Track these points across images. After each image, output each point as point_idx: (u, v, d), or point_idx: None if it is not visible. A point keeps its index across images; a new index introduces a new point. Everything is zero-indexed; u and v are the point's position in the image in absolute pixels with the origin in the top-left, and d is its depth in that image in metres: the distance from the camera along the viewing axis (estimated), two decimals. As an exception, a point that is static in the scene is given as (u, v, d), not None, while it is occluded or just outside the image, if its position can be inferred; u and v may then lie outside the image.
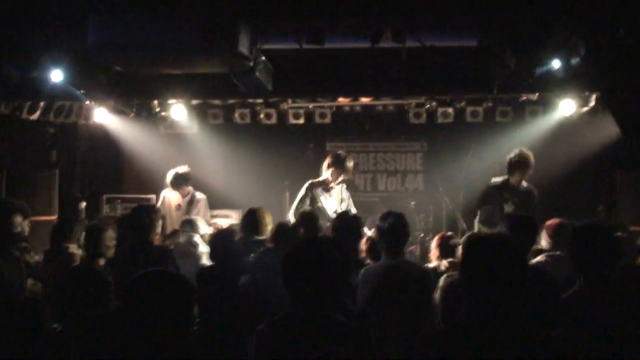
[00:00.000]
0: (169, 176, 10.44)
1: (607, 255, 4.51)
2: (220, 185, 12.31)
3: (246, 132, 12.91)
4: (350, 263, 4.40)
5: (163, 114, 12.28)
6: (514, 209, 9.14)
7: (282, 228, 6.91)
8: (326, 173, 9.88)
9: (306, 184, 9.94)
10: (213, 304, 6.19)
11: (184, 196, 10.50)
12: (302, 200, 9.82)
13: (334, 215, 8.98)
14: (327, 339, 3.59)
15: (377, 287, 6.09)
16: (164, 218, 9.22)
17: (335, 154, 10.13)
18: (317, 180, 9.99)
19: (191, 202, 10.47)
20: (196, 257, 8.11)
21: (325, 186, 9.97)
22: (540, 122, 11.83)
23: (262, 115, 12.21)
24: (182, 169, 10.49)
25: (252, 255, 6.31)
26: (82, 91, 9.37)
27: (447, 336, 3.34)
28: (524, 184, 9.52)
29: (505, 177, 9.58)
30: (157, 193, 11.70)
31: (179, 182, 10.40)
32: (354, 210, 9.88)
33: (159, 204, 10.39)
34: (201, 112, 12.33)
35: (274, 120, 12.25)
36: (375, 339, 4.18)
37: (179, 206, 10.48)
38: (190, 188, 10.54)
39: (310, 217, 7.60)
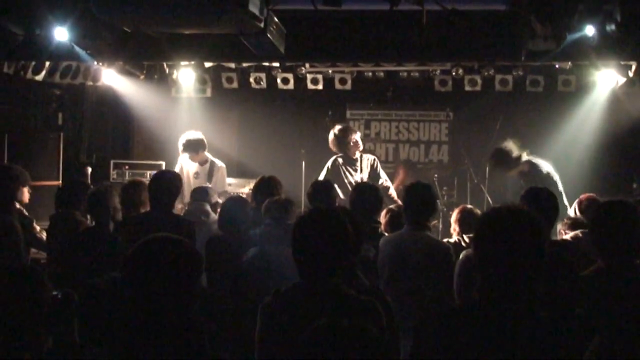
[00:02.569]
0: (181, 141, 10.37)
1: (629, 233, 4.49)
2: (233, 152, 12.44)
3: (262, 98, 12.98)
4: (362, 234, 4.49)
5: (174, 76, 12.33)
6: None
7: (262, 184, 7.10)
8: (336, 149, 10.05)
9: (332, 158, 10.08)
10: (221, 274, 6.29)
11: (201, 164, 10.52)
12: (326, 174, 10.00)
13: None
14: (335, 311, 3.62)
15: (395, 257, 6.20)
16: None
17: (334, 132, 10.26)
18: (340, 154, 10.13)
19: (211, 171, 10.46)
20: (207, 225, 8.17)
21: (350, 160, 10.09)
22: (573, 93, 11.80)
23: (278, 80, 12.22)
24: (194, 134, 10.40)
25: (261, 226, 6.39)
26: (88, 51, 9.41)
27: (458, 313, 3.36)
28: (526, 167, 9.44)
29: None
30: (168, 160, 11.80)
31: (192, 148, 10.35)
32: (385, 182, 10.01)
33: (176, 169, 10.37)
34: (215, 76, 12.36)
35: (291, 86, 12.26)
36: (390, 313, 4.26)
37: (197, 174, 10.44)
38: (206, 155, 10.51)
39: (321, 186, 7.67)
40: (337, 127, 10.38)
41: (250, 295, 5.29)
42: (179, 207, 9.05)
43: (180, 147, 10.36)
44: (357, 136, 10.25)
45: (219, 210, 7.60)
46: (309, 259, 3.80)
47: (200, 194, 8.74)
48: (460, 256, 5.90)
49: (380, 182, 9.97)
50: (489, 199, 10.54)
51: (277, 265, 5.31)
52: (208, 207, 8.52)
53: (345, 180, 9.96)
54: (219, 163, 10.58)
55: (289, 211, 6.17)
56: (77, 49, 9.06)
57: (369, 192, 7.05)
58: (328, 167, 10.12)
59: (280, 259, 5.21)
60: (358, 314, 3.69)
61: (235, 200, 7.39)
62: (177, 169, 10.31)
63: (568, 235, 6.60)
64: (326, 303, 3.71)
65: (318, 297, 3.74)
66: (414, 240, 6.25)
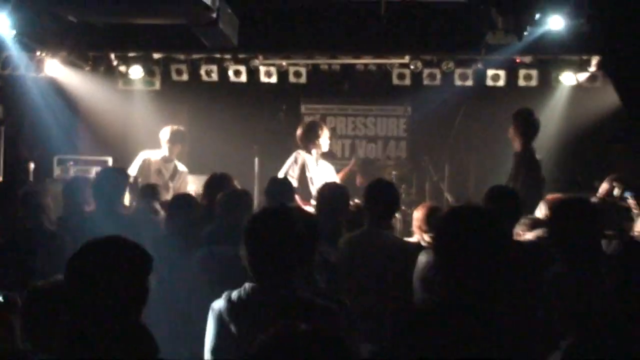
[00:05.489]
0: (165, 132, 10.34)
1: (587, 231, 4.58)
2: (183, 148, 12.31)
3: (213, 91, 12.87)
4: (319, 235, 4.46)
5: (122, 68, 12.22)
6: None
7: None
8: (302, 144, 10.03)
9: (295, 152, 10.13)
10: (170, 276, 6.23)
11: (165, 161, 10.44)
12: (290, 166, 10.02)
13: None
14: (289, 316, 3.58)
15: (355, 257, 6.16)
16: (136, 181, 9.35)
17: (306, 123, 10.27)
18: (304, 150, 10.15)
19: (174, 174, 10.43)
20: (156, 224, 8.11)
21: (311, 158, 10.09)
22: (535, 88, 11.87)
23: (230, 73, 12.17)
24: (179, 127, 10.57)
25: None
26: (30, 41, 9.29)
27: (418, 316, 3.37)
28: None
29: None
30: (115, 155, 11.71)
31: (177, 138, 10.39)
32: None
33: (135, 166, 10.32)
34: (164, 68, 12.29)
35: (243, 79, 12.20)
36: (349, 317, 4.25)
37: (159, 171, 10.39)
38: (176, 153, 10.53)
39: (280, 183, 7.64)
40: (310, 120, 10.41)
41: (200, 298, 5.25)
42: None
43: (166, 138, 10.31)
44: (326, 134, 10.24)
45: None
46: (261, 261, 3.76)
47: (149, 191, 8.67)
48: (420, 257, 5.90)
49: None
50: (449, 197, 10.58)
51: (226, 267, 5.27)
52: (157, 205, 8.45)
53: (308, 174, 9.95)
54: (182, 167, 10.58)
55: (243, 205, 6.15)
56: (18, 38, 8.93)
57: (334, 191, 7.02)
58: (292, 162, 10.09)
59: (230, 259, 5.19)
60: (315, 319, 3.64)
61: (182, 198, 7.34)
62: (136, 164, 10.29)
63: (530, 235, 6.63)
64: (281, 308, 3.68)
65: (272, 302, 3.71)
66: (375, 239, 6.23)
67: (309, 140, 10.12)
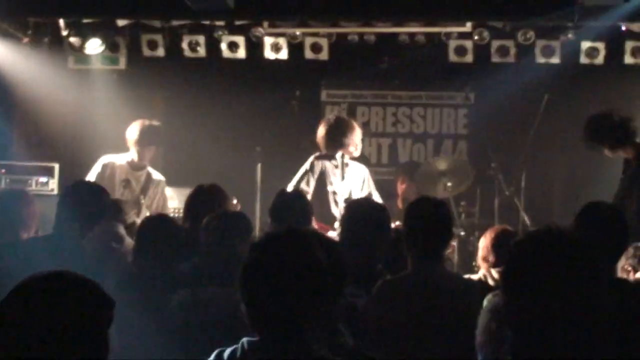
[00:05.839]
0: (133, 130, 10.32)
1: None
2: (158, 150, 12.35)
3: (199, 71, 12.97)
4: (345, 271, 4.43)
5: (74, 40, 12.24)
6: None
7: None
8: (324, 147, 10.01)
9: (312, 157, 10.07)
10: (138, 326, 6.25)
11: (135, 169, 10.44)
12: (303, 177, 10.03)
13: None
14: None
15: (399, 311, 6.13)
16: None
17: (332, 119, 10.25)
18: (325, 153, 10.09)
19: (147, 184, 10.44)
20: (120, 256, 8.13)
21: (336, 162, 10.05)
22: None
23: (223, 46, 12.27)
24: (153, 122, 10.53)
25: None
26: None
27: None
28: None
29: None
30: (64, 160, 11.76)
31: (149, 138, 10.36)
32: (377, 198, 9.96)
33: (93, 176, 10.29)
34: (132, 39, 12.42)
35: (241, 54, 12.30)
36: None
37: (126, 182, 10.37)
38: (152, 153, 10.56)
39: (291, 199, 7.65)
40: (335, 116, 10.39)
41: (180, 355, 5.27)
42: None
43: (134, 136, 10.31)
44: (359, 135, 10.18)
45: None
46: (264, 306, 3.72)
47: (110, 209, 8.69)
48: (484, 302, 5.86)
49: None
50: (526, 218, 10.54)
51: (217, 316, 5.27)
52: (121, 229, 8.49)
53: (328, 188, 9.92)
54: (158, 176, 10.61)
55: (239, 230, 6.16)
56: None
57: (372, 214, 6.99)
58: (306, 170, 10.04)
59: (222, 305, 5.18)
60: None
61: (156, 221, 7.36)
62: (94, 173, 10.31)
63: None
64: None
65: (279, 362, 3.68)
66: (427, 283, 6.18)
67: (335, 142, 10.05)
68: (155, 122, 10.57)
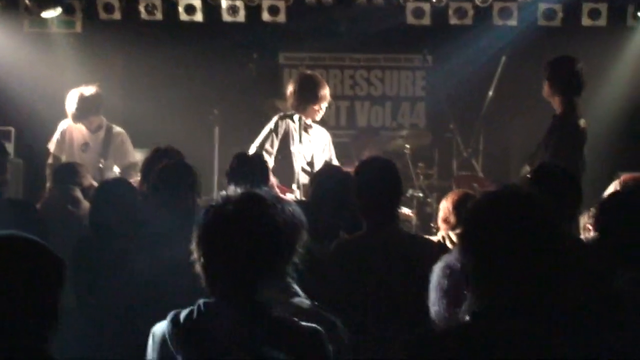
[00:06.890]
0: (71, 101, 10.20)
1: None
2: (116, 113, 12.27)
3: (156, 34, 12.91)
4: (299, 231, 4.41)
5: (29, 2, 12.15)
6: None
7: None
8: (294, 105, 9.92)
9: (276, 116, 10.01)
10: (94, 289, 6.23)
11: (92, 131, 10.39)
12: (267, 137, 9.93)
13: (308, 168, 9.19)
14: (259, 342, 3.60)
15: (354, 271, 6.11)
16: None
17: (303, 75, 10.20)
18: (289, 113, 10.01)
19: (108, 139, 10.42)
20: (76, 220, 8.10)
21: (305, 125, 9.99)
22: (604, 29, 11.90)
23: (180, 9, 12.23)
24: (88, 90, 10.26)
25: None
26: None
27: (441, 342, 3.34)
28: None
29: None
30: (20, 124, 11.73)
31: (87, 109, 10.23)
32: (336, 162, 9.94)
33: (53, 142, 10.38)
34: (88, 2, 12.32)
35: (199, 17, 12.27)
36: (341, 346, 4.22)
37: (85, 146, 10.31)
38: (102, 119, 10.46)
39: (249, 160, 7.64)
40: (307, 72, 10.34)
41: (138, 320, 5.24)
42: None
43: (72, 109, 10.22)
44: (327, 96, 10.06)
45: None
46: (219, 267, 3.73)
47: (67, 173, 8.66)
48: (438, 263, 5.88)
49: None
50: (484, 179, 10.58)
51: (174, 277, 5.25)
52: (78, 193, 8.45)
53: (291, 148, 9.85)
54: (117, 128, 10.57)
55: (189, 186, 6.18)
56: None
57: (335, 176, 7.01)
58: (270, 130, 9.96)
59: (179, 267, 5.18)
60: (294, 348, 3.66)
61: (112, 184, 7.33)
62: (54, 140, 10.35)
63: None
64: (247, 332, 3.64)
65: (235, 322, 3.67)
66: (380, 242, 6.18)
67: (306, 101, 9.90)
68: (94, 88, 10.33)
